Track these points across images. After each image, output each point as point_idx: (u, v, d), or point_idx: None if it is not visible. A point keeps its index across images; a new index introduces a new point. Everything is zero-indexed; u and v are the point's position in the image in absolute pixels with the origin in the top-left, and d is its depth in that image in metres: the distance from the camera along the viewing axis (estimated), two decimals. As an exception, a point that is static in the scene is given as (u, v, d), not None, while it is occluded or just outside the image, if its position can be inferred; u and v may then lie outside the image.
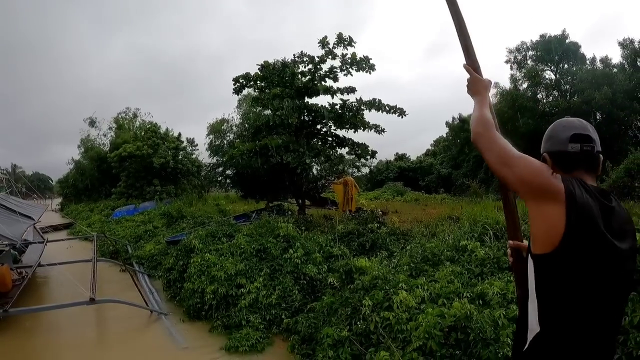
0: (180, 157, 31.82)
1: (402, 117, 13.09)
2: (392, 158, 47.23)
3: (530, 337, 1.63)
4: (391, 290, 5.65)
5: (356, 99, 13.42)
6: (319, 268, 8.16)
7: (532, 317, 1.63)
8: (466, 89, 2.09)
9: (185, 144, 33.72)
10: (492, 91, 29.85)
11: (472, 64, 2.10)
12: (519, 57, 29.24)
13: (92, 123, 42.92)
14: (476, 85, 2.04)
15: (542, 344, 1.59)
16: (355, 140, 14.37)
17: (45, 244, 13.41)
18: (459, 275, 6.03)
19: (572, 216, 1.48)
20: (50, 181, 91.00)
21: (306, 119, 14.18)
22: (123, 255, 14.23)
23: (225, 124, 31.22)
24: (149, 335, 7.77)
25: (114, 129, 41.55)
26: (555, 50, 27.04)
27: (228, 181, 25.07)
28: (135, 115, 43.10)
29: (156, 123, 35.05)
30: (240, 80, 14.45)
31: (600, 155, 1.72)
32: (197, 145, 34.67)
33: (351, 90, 13.63)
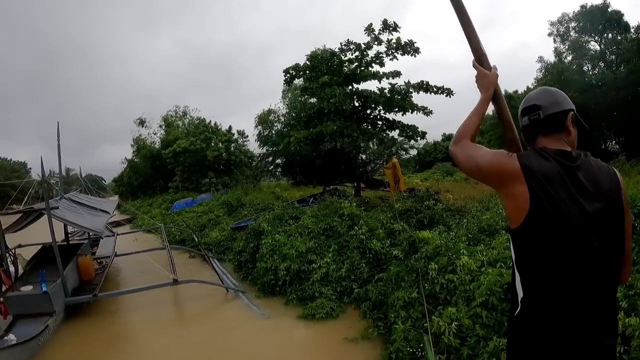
0: (232, 149, 32.83)
1: (449, 97, 13.27)
2: (439, 139, 46.89)
3: (519, 300, 1.75)
4: (453, 256, 6.15)
5: (404, 82, 13.67)
6: (382, 243, 8.64)
7: (518, 284, 1.75)
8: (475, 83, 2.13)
9: (236, 136, 34.63)
10: (537, 66, 29.47)
11: (478, 58, 2.11)
12: (562, 30, 28.31)
13: (141, 123, 44.30)
14: (481, 81, 2.08)
15: (528, 307, 1.70)
16: (404, 122, 14.62)
17: (116, 237, 14.55)
18: (514, 243, 6.45)
19: (534, 186, 1.60)
20: (103, 181, 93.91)
21: (357, 104, 14.54)
22: (190, 243, 15.19)
23: (272, 115, 31.89)
24: (229, 310, 8.46)
25: (163, 127, 42.74)
26: (597, 20, 26.29)
27: (279, 170, 25.79)
28: (185, 113, 44.31)
29: (204, 118, 36.14)
30: (291, 72, 14.94)
31: (563, 114, 1.81)
32: (247, 136, 35.49)
33: (397, 74, 13.83)
